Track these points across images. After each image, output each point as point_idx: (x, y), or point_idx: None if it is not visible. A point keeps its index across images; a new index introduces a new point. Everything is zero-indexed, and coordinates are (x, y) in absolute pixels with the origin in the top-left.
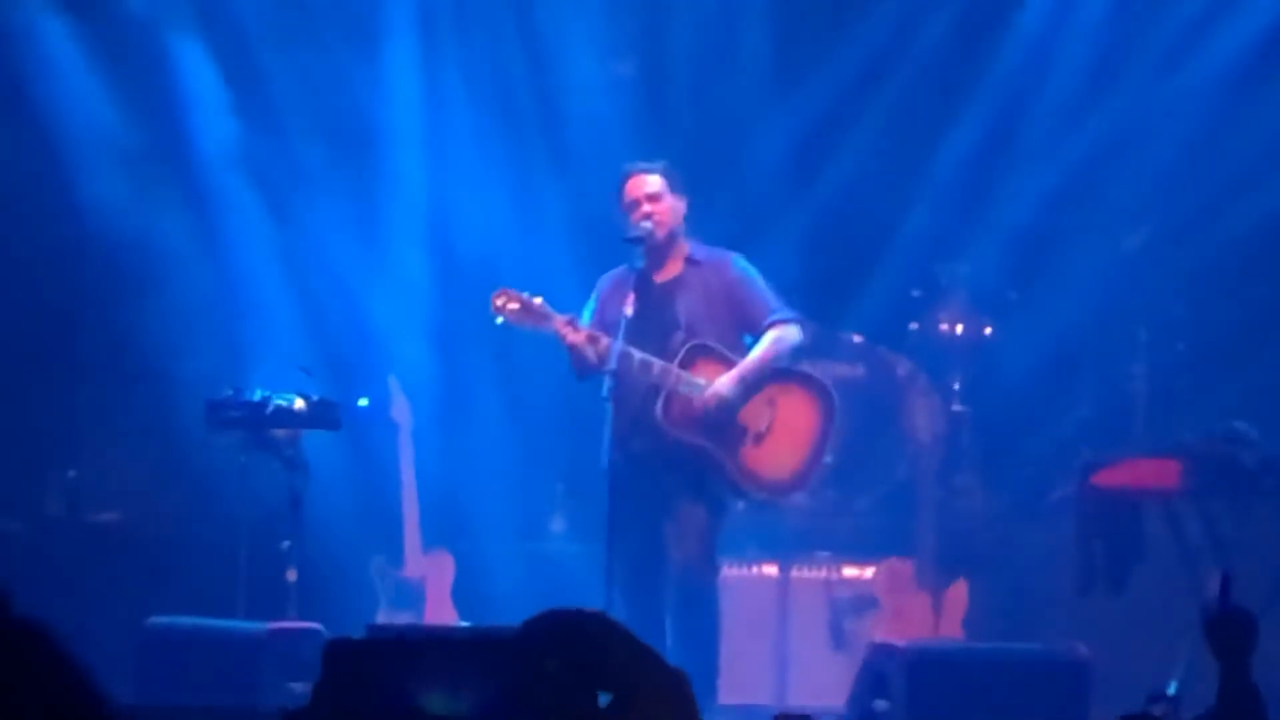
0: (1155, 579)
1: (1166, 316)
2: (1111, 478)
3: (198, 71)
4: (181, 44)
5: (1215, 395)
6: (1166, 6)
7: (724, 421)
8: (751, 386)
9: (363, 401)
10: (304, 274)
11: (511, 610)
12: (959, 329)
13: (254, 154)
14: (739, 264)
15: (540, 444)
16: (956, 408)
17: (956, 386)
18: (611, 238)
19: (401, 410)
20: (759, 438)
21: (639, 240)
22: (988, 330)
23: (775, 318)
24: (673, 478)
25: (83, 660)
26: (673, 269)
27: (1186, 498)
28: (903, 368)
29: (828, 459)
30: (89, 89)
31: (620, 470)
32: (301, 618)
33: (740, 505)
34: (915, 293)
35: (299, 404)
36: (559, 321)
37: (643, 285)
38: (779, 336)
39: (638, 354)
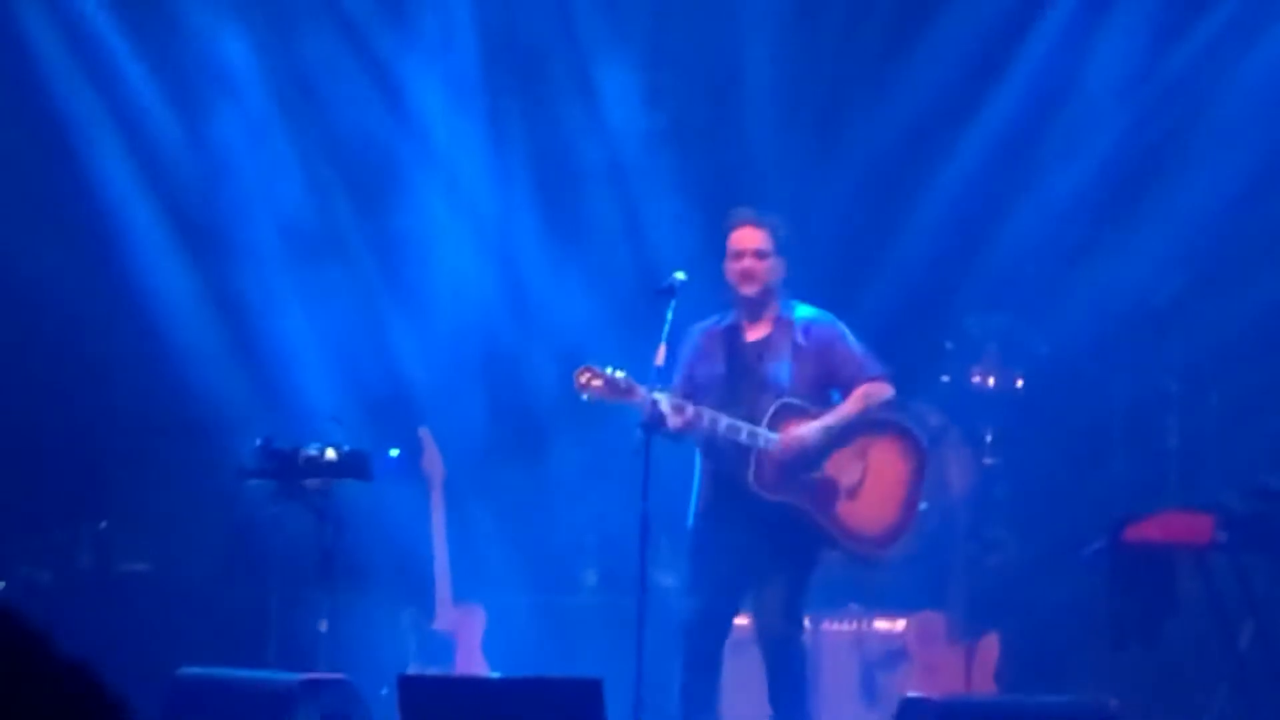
0: (1187, 634)
1: (1198, 369)
2: (1144, 532)
3: (232, 123)
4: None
5: (1248, 449)
6: (1199, 58)
7: (811, 476)
8: (836, 437)
9: (394, 452)
10: (336, 324)
11: (542, 663)
12: (991, 381)
13: (287, 204)
14: (831, 324)
15: (572, 496)
16: (988, 460)
17: (988, 439)
18: (644, 292)
19: (433, 462)
20: (852, 492)
21: (669, 292)
22: (1019, 383)
23: (866, 375)
24: (765, 539)
25: (126, 701)
26: (764, 328)
27: (1219, 552)
28: (935, 420)
29: (922, 507)
30: (125, 141)
31: (706, 529)
32: (332, 669)
33: (835, 555)
34: (948, 345)
35: (330, 454)
36: (643, 395)
37: (734, 343)
38: (868, 391)
39: (725, 418)
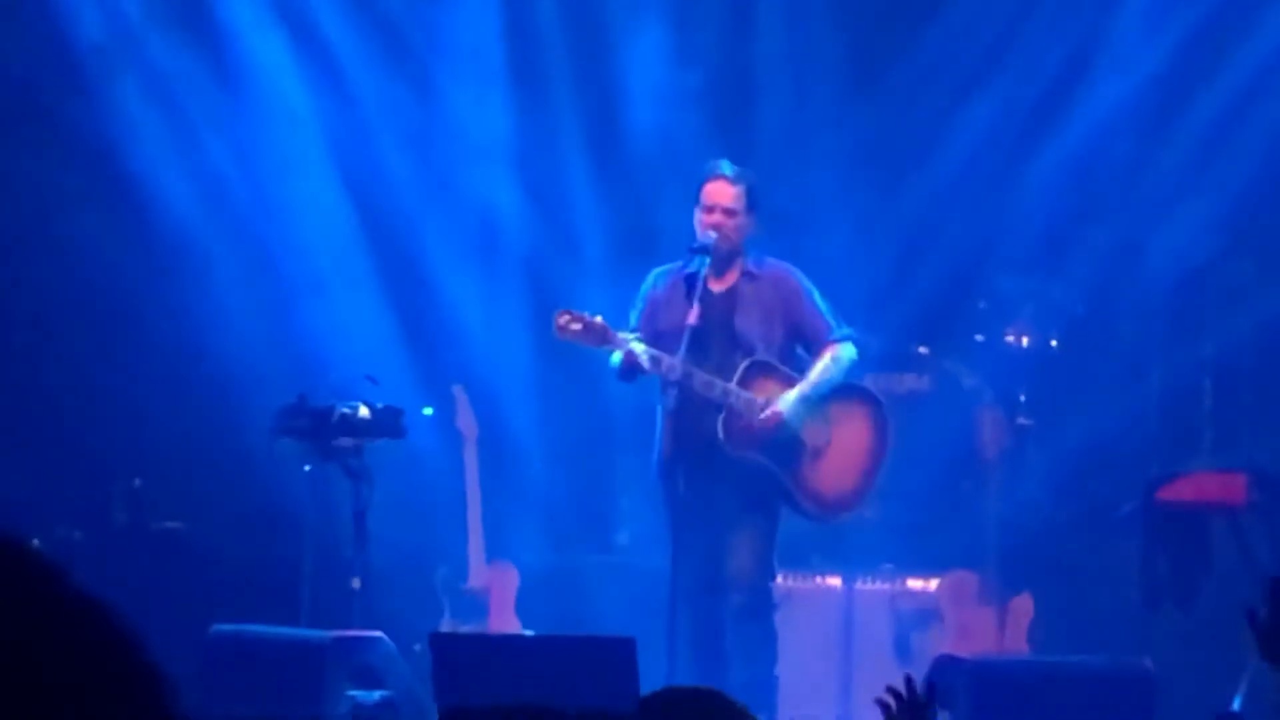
0: (1221, 594)
1: (1233, 330)
2: (1178, 492)
3: (276, 69)
4: (271, 52)
5: None
6: (1240, 14)
7: (784, 439)
8: (811, 405)
9: (428, 411)
10: (371, 283)
11: (575, 622)
12: (1025, 341)
13: (320, 163)
14: (796, 278)
15: (605, 456)
16: (1022, 421)
17: (1022, 399)
18: (669, 245)
19: (467, 420)
20: (817, 454)
21: (704, 250)
22: (1054, 343)
23: (833, 336)
24: (729, 492)
25: (143, 640)
26: (730, 279)
27: (1253, 512)
28: (969, 380)
29: (879, 478)
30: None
31: (676, 482)
32: (365, 627)
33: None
34: (982, 305)
35: (364, 412)
36: (620, 341)
37: (700, 294)
38: (837, 355)
39: (701, 374)
